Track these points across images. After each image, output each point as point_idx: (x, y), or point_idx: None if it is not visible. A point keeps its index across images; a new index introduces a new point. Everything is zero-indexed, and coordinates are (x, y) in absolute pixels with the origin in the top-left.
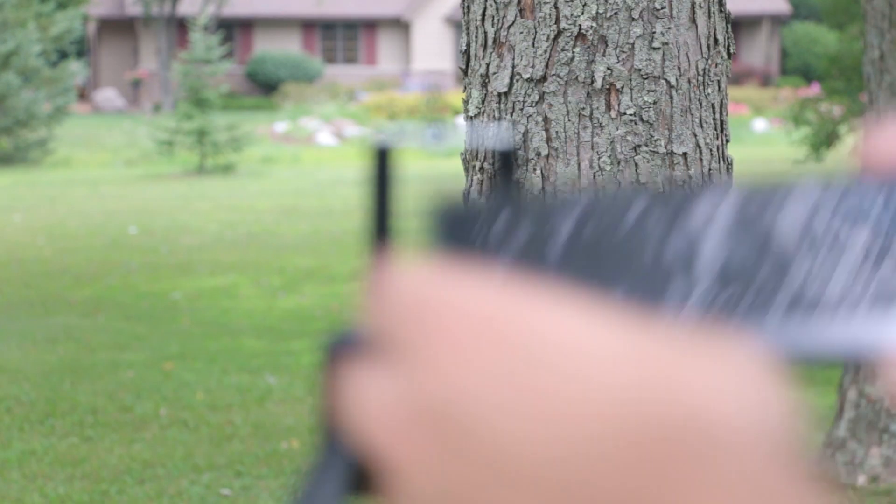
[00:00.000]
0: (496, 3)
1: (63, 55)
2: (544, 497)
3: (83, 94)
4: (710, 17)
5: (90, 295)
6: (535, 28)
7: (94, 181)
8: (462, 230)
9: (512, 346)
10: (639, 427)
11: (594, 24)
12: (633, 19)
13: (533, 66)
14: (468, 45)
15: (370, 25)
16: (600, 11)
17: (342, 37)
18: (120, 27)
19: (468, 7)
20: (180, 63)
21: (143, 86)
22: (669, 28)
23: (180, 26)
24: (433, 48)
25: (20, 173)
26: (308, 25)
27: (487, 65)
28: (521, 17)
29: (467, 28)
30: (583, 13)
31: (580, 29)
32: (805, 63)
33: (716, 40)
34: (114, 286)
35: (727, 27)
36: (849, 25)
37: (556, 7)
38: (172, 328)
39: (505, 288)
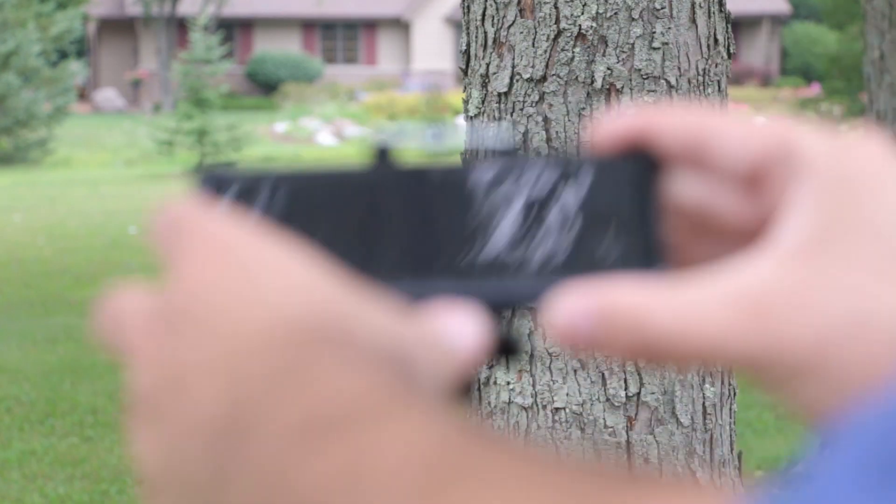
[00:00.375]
0: (496, 3)
1: (63, 55)
2: (235, 370)
3: (83, 94)
4: (710, 17)
5: (90, 295)
6: (535, 28)
7: (94, 181)
8: (222, 188)
9: (230, 263)
10: (291, 329)
11: (594, 24)
12: (633, 19)
13: (533, 66)
14: (468, 45)
15: (370, 25)
16: (600, 11)
17: (342, 37)
18: (120, 27)
19: (468, 7)
20: (180, 63)
21: (143, 86)
22: (669, 28)
23: (180, 26)
24: (433, 48)
25: (20, 173)
26: (308, 25)
27: (487, 65)
28: (521, 17)
29: (467, 28)
30: (583, 13)
31: (580, 29)
32: (805, 63)
33: (716, 40)
34: (114, 286)
35: (727, 27)
36: (849, 25)
37: (556, 7)
38: None
39: (234, 224)
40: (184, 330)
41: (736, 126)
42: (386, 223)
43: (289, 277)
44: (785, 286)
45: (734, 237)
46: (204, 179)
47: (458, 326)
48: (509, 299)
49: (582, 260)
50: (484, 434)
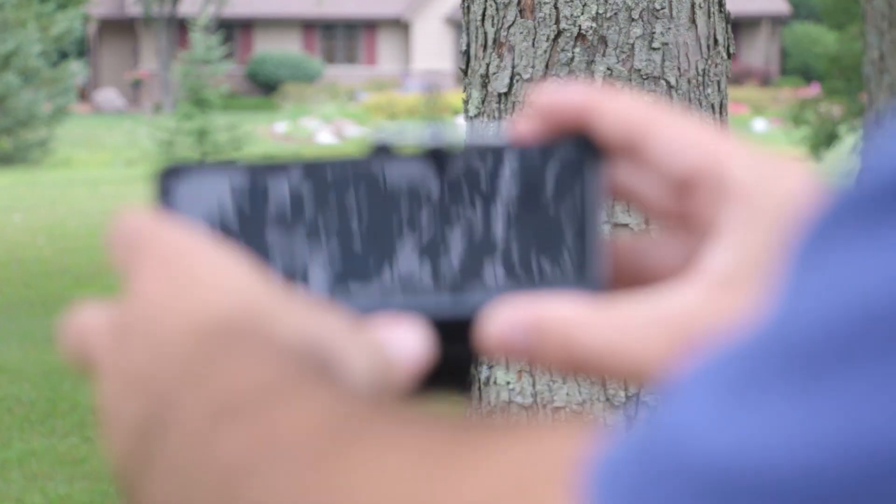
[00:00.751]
0: (496, 3)
1: (63, 55)
2: (158, 372)
3: (83, 95)
4: (709, 17)
5: (91, 295)
6: (535, 28)
7: (94, 181)
8: (176, 190)
9: (172, 275)
10: (213, 328)
11: (594, 25)
12: (633, 20)
13: (533, 67)
14: (468, 45)
15: (370, 26)
16: (600, 12)
17: (342, 37)
18: (120, 27)
19: (468, 7)
20: (180, 63)
21: (144, 86)
22: (669, 28)
23: (180, 26)
24: (433, 48)
25: (20, 173)
26: (308, 26)
27: (487, 65)
28: (521, 17)
29: (467, 28)
30: (583, 13)
31: (580, 29)
32: (805, 63)
33: (715, 41)
34: (114, 286)
35: (727, 27)
36: (849, 25)
37: (556, 7)
38: None
39: (179, 235)
40: (129, 341)
41: (676, 130)
42: (323, 219)
43: (222, 282)
44: (706, 314)
45: (658, 234)
46: (161, 175)
47: (403, 337)
48: (453, 314)
49: (522, 269)
50: (390, 406)
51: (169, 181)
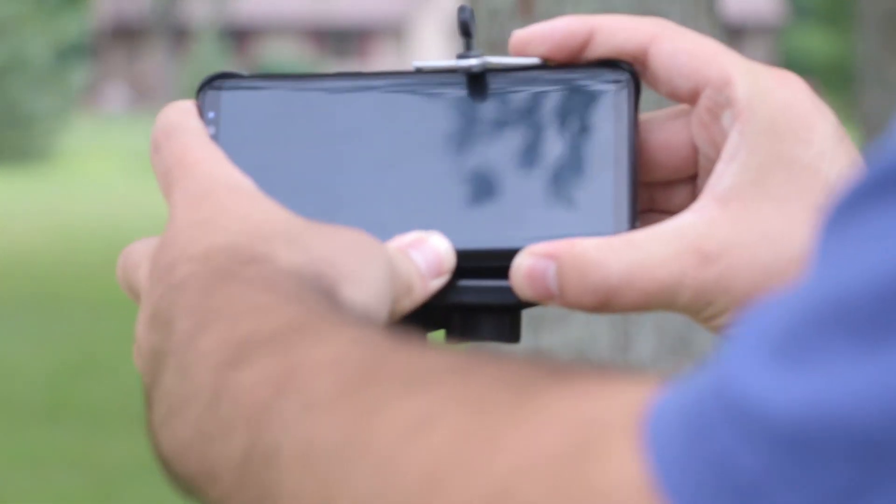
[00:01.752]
0: (496, 8)
1: (67, 58)
2: (170, 300)
3: (87, 98)
4: (706, 20)
5: (93, 294)
6: None
7: (97, 184)
8: (223, 98)
9: (196, 210)
10: (226, 256)
11: None
12: None
13: None
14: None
15: (369, 33)
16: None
17: (343, 45)
18: (125, 31)
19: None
20: (184, 68)
21: (148, 90)
22: None
23: (186, 32)
24: (431, 55)
25: (23, 175)
26: (311, 33)
27: None
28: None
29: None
30: None
31: None
32: (803, 66)
33: None
34: (116, 286)
35: (723, 31)
36: (846, 27)
37: (548, 12)
38: None
39: (209, 163)
40: (155, 276)
41: (680, 44)
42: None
43: (237, 220)
44: (716, 229)
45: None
46: (208, 82)
47: (430, 244)
48: (481, 245)
49: (551, 202)
50: (415, 341)
51: (216, 89)
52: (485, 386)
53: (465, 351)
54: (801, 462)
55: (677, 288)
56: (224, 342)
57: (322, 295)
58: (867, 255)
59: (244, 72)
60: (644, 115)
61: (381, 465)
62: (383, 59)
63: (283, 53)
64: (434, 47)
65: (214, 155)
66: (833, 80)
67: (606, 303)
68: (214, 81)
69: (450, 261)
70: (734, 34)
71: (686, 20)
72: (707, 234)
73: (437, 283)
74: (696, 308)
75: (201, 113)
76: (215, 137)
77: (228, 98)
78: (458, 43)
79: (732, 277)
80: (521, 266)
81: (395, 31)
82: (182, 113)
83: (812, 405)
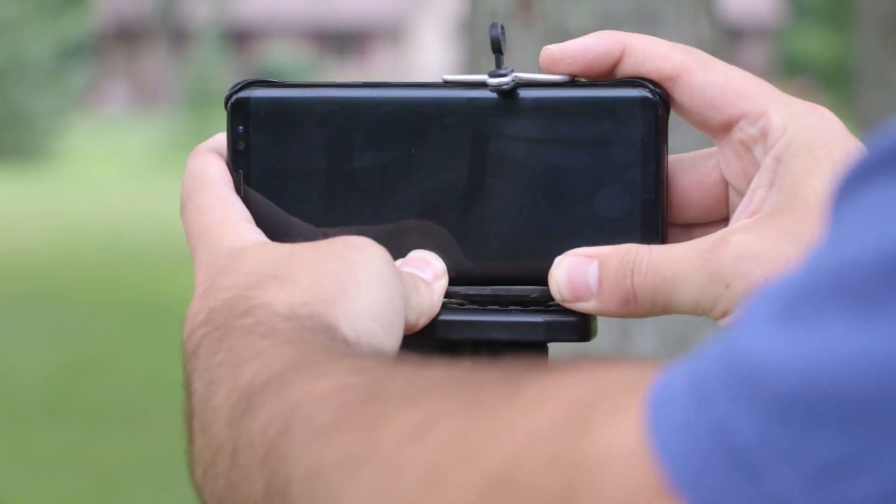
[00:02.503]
0: (495, 9)
1: (68, 59)
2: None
3: (88, 98)
4: (704, 21)
5: (93, 294)
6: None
7: (96, 184)
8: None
9: (208, 274)
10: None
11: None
12: (625, 26)
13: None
14: (467, 50)
15: (369, 35)
16: (591, 18)
17: (343, 46)
18: (126, 32)
19: (467, 13)
20: (185, 68)
21: (148, 91)
22: (663, 35)
23: (186, 33)
24: (431, 56)
25: (23, 175)
26: (311, 34)
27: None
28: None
29: (467, 34)
30: (574, 20)
31: (570, 35)
32: (802, 66)
33: (711, 46)
34: (115, 286)
35: (722, 32)
36: (845, 28)
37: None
38: (174, 326)
39: (218, 207)
40: (183, 348)
41: (712, 75)
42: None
43: (235, 272)
44: (758, 247)
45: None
46: (234, 94)
47: (432, 265)
48: (516, 262)
49: (582, 216)
50: (412, 362)
51: (245, 99)
52: (479, 387)
53: (461, 365)
54: (794, 432)
55: (714, 300)
56: (230, 394)
57: (318, 328)
58: (869, 229)
59: (272, 78)
60: (674, 157)
61: (384, 467)
62: (383, 60)
63: (284, 54)
64: (433, 48)
65: (226, 216)
66: (832, 81)
67: (638, 306)
68: (243, 90)
69: (440, 265)
70: (733, 35)
71: (684, 21)
72: (742, 251)
73: (441, 284)
74: (696, 305)
75: (230, 128)
76: (245, 153)
77: (257, 109)
78: (458, 43)
79: (728, 276)
80: (561, 264)
81: (394, 32)
82: (205, 164)
83: (807, 369)
